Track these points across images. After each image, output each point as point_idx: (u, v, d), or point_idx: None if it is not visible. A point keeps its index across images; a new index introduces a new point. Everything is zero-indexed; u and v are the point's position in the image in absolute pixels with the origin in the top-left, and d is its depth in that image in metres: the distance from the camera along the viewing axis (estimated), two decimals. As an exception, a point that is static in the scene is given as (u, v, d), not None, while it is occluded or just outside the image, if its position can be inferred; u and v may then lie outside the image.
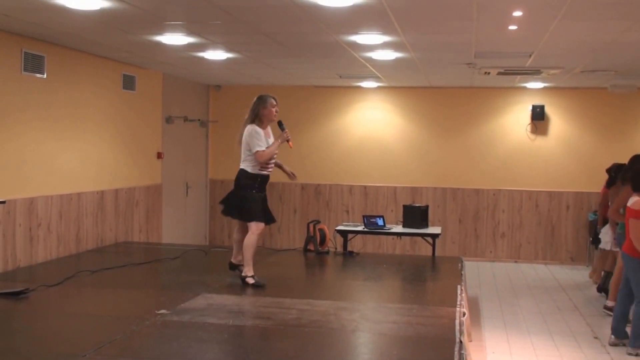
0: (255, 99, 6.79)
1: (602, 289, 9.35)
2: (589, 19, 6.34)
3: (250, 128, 6.63)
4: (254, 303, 6.12)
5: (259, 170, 6.69)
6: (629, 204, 6.77)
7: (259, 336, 5.25)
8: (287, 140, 6.78)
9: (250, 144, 6.61)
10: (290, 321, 5.46)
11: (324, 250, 8.93)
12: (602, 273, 9.59)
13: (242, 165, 6.72)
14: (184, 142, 12.06)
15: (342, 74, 10.66)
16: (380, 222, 9.38)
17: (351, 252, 9.08)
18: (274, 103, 6.73)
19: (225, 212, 6.92)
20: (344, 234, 9.36)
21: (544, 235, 12.25)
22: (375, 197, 12.56)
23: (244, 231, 6.80)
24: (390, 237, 10.69)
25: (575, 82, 11.19)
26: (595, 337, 7.41)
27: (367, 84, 12.06)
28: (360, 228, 9.42)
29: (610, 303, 8.21)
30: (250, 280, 6.70)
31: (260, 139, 6.59)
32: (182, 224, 12.04)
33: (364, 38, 7.32)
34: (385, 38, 7.30)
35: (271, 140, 6.76)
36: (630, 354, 6.69)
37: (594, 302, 9.21)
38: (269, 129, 6.83)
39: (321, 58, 8.94)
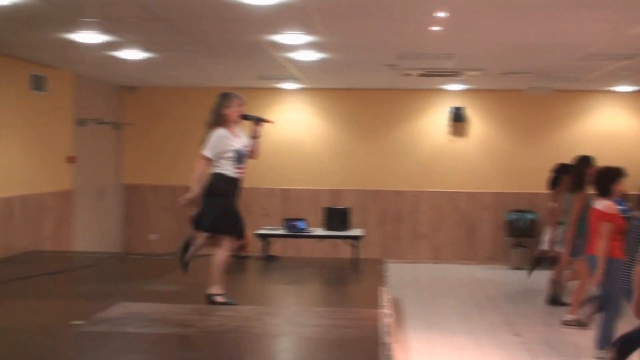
0: (217, 97, 6.16)
1: (553, 299, 8.99)
2: (510, 21, 6.54)
3: (216, 131, 6.03)
4: (175, 310, 6.03)
5: (237, 173, 6.11)
6: (599, 207, 6.77)
7: (181, 344, 5.19)
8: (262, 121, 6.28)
9: (205, 143, 6.02)
10: (212, 328, 5.41)
11: (245, 255, 8.88)
12: (552, 284, 9.14)
13: (218, 170, 6.05)
14: (97, 146, 11.79)
15: (262, 75, 10.64)
16: (301, 225, 9.40)
17: (272, 257, 9.06)
18: (240, 102, 6.15)
19: (199, 227, 6.16)
20: (264, 237, 9.33)
21: (463, 236, 12.54)
22: (296, 200, 12.59)
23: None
24: (312, 240, 10.73)
25: (494, 84, 11.53)
26: (515, 335, 7.63)
27: (287, 85, 12.08)
28: (281, 232, 9.42)
29: (569, 316, 7.98)
30: (220, 300, 6.16)
31: (221, 143, 6.01)
32: (96, 231, 11.76)
33: (286, 38, 7.33)
34: (308, 38, 7.33)
35: (242, 140, 6.18)
36: (598, 358, 6.55)
37: (514, 300, 9.50)
38: (237, 129, 6.19)
39: (242, 58, 8.90)
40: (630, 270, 5.60)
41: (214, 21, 6.56)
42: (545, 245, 9.11)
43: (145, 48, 8.24)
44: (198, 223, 6.12)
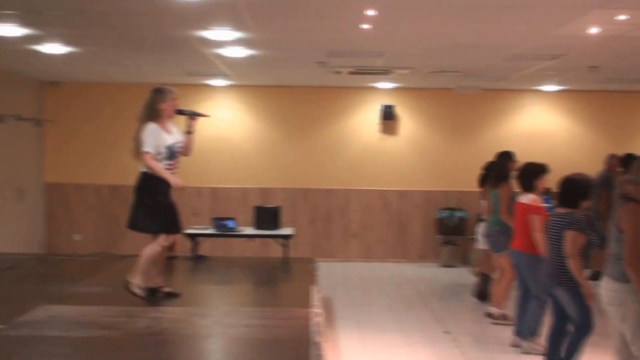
0: (151, 92, 6.08)
1: (479, 293, 9.12)
2: (438, 21, 6.64)
3: (147, 126, 5.94)
4: (100, 313, 5.89)
5: (168, 170, 6.04)
6: (524, 201, 6.90)
7: (107, 348, 5.07)
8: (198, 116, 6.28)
9: (141, 142, 5.92)
10: (140, 330, 5.32)
11: (173, 255, 8.75)
12: (478, 276, 9.34)
13: (146, 169, 5.98)
14: (16, 143, 11.44)
15: (190, 72, 10.52)
16: (231, 224, 9.34)
17: (201, 257, 8.97)
18: (173, 96, 6.08)
19: (134, 226, 6.12)
20: (193, 237, 9.23)
21: (394, 234, 12.68)
22: (225, 199, 12.50)
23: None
24: (242, 239, 10.68)
25: (424, 82, 11.69)
26: (445, 332, 7.76)
27: (216, 82, 11.98)
28: (210, 231, 9.34)
29: (494, 309, 8.10)
30: (137, 290, 6.12)
31: (156, 138, 5.94)
32: (17, 231, 11.42)
33: (214, 34, 7.26)
34: (237, 34, 7.29)
35: (174, 136, 6.11)
36: (516, 346, 6.90)
37: (444, 298, 9.66)
38: (170, 124, 6.14)
39: (169, 54, 8.79)
40: (552, 265, 5.77)
41: (139, 15, 6.45)
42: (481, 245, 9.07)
43: (68, 42, 8.04)
44: (133, 225, 6.11)
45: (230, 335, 5.35)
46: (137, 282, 6.15)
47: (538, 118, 12.72)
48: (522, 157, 8.61)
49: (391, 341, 7.40)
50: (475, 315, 8.53)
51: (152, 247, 6.15)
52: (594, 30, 7.00)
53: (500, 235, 7.90)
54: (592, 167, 11.81)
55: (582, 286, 5.55)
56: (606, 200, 9.60)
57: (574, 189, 5.82)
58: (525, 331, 6.87)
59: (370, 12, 6.10)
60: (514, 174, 7.78)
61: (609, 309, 4.85)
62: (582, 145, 12.65)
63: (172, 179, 6.06)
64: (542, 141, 12.47)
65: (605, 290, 4.85)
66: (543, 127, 12.67)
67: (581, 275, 5.56)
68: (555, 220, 5.85)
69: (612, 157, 10.77)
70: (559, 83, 11.64)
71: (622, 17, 6.44)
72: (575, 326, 5.73)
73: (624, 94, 12.56)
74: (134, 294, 6.14)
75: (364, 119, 12.64)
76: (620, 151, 10.86)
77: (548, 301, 6.23)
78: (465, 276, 11.20)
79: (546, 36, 7.30)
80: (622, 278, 4.68)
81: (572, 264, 5.57)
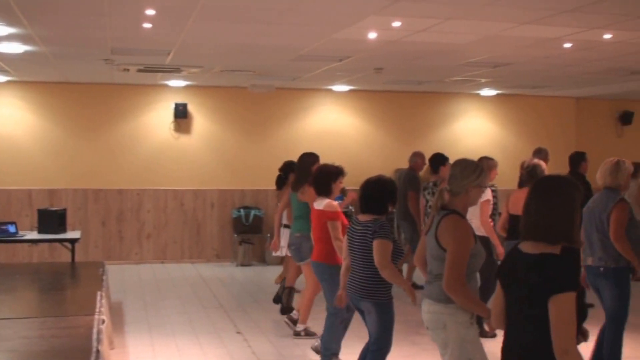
0: None
1: (279, 299, 8.69)
2: (222, 22, 6.78)
3: None
4: None
5: None
6: (319, 207, 6.47)
7: None
8: None
9: None
10: None
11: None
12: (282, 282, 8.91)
13: None
14: None
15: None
16: (12, 229, 8.95)
17: (-22, 265, 8.52)
18: None
19: None
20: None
21: (189, 234, 12.69)
22: (7, 201, 11.89)
23: None
24: (27, 244, 10.26)
25: (217, 80, 11.79)
26: (238, 332, 7.92)
27: (-3, 77, 11.39)
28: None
29: (300, 327, 7.67)
30: None
31: None
32: None
33: (-14, 28, 6.95)
34: (10, 30, 7.01)
35: None
36: (318, 352, 6.63)
37: (238, 298, 9.83)
38: None
39: None
40: (360, 277, 5.35)
41: None
42: (284, 251, 8.75)
43: None
44: None
45: (6, 348, 5.15)
46: None
47: (330, 117, 13.25)
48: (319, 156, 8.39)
49: (182, 344, 7.45)
50: (268, 315, 8.70)
51: None
52: (372, 35, 7.46)
53: (303, 243, 7.44)
54: (383, 165, 12.61)
55: (406, 290, 5.23)
56: (414, 200, 9.73)
57: (380, 195, 5.40)
58: (325, 351, 6.40)
59: (151, 12, 6.12)
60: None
61: (431, 334, 4.40)
62: (373, 143, 13.35)
63: None
64: (335, 140, 13.01)
65: (427, 314, 4.37)
66: (335, 125, 13.22)
67: (400, 280, 5.28)
68: (359, 229, 5.36)
69: (416, 155, 10.46)
70: (349, 83, 12.21)
71: (397, 24, 6.92)
72: (373, 345, 5.34)
73: (410, 94, 13.41)
74: None
75: (156, 117, 12.53)
76: (409, 150, 11.06)
77: (349, 317, 6.21)
78: (262, 275, 11.47)
79: (329, 39, 7.68)
80: (443, 299, 4.21)
81: (386, 274, 5.16)
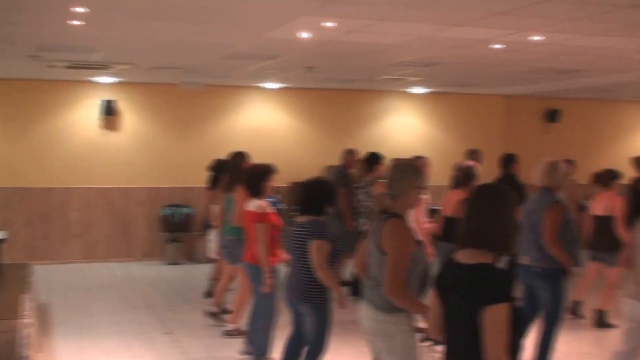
0: None
1: (209, 293, 8.85)
2: (153, 20, 6.72)
3: None
4: None
5: None
6: (252, 208, 6.37)
7: None
8: None
9: None
10: None
11: None
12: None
13: None
14: None
15: None
16: None
17: None
18: None
19: None
20: None
21: (117, 233, 12.51)
22: None
23: None
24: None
25: (146, 77, 11.65)
26: (168, 332, 7.88)
27: None
28: None
29: (230, 326, 7.68)
30: None
31: None
32: None
33: None
34: None
35: None
36: (248, 354, 6.63)
37: (167, 297, 9.77)
38: None
39: None
40: (298, 279, 5.40)
41: None
42: (212, 252, 8.78)
43: None
44: None
45: None
46: None
47: (261, 114, 13.24)
48: (249, 155, 8.47)
49: (111, 347, 7.37)
50: (198, 315, 8.61)
51: None
52: (304, 34, 7.50)
53: (236, 246, 7.28)
54: (315, 162, 12.68)
55: (336, 294, 5.29)
56: (345, 198, 9.41)
57: (318, 195, 5.45)
58: (254, 351, 6.50)
59: (79, 9, 6.03)
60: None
61: (372, 341, 4.34)
62: (304, 141, 13.40)
63: None
64: (266, 137, 13.01)
65: (369, 321, 4.31)
66: (266, 123, 13.22)
67: (335, 284, 5.31)
68: (297, 231, 5.42)
69: (349, 152, 10.39)
70: (280, 81, 12.23)
71: (329, 24, 6.98)
72: (310, 345, 5.41)
73: (341, 92, 13.52)
74: None
75: (83, 114, 12.29)
76: (340, 147, 11.16)
77: (277, 318, 6.27)
78: (191, 273, 11.41)
79: (259, 38, 7.69)
80: (387, 307, 4.16)
81: (322, 275, 5.23)
